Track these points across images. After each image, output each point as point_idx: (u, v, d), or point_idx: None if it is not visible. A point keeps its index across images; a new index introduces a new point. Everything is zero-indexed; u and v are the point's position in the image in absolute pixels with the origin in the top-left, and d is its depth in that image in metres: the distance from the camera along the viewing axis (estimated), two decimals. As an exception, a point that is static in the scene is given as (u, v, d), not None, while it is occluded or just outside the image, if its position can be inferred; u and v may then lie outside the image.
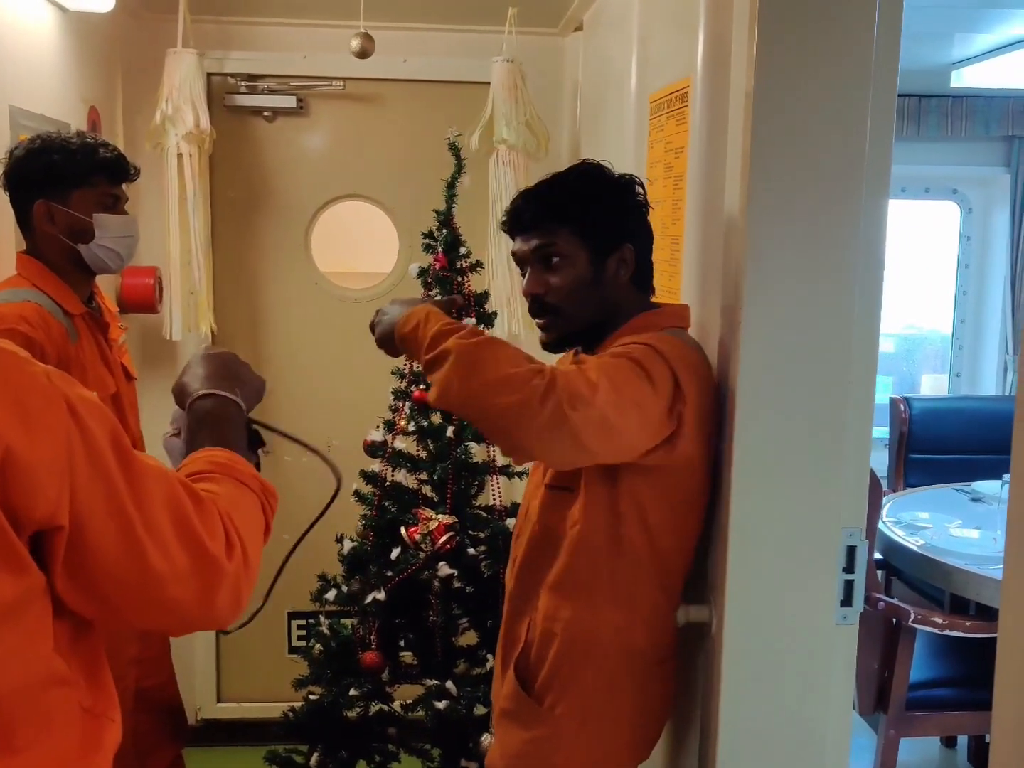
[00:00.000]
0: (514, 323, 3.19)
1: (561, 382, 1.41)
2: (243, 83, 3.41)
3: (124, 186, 2.16)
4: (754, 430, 1.52)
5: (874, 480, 2.10)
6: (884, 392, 4.58)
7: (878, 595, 2.81)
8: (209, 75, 3.31)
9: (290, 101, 3.43)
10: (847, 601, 1.56)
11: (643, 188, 1.71)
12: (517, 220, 1.69)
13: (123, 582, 0.99)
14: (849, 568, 1.55)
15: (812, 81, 1.46)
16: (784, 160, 1.47)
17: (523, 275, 1.70)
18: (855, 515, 1.55)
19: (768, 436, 1.52)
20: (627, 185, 1.69)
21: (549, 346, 1.72)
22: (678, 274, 1.92)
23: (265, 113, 3.46)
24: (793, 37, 1.46)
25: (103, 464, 0.96)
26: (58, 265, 2.07)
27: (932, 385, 5.06)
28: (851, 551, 1.55)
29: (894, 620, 2.77)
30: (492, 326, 2.69)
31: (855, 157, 1.47)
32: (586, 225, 1.64)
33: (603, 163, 1.70)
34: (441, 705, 2.43)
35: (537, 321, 1.70)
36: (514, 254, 1.72)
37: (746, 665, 1.57)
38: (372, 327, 1.76)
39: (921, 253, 5.00)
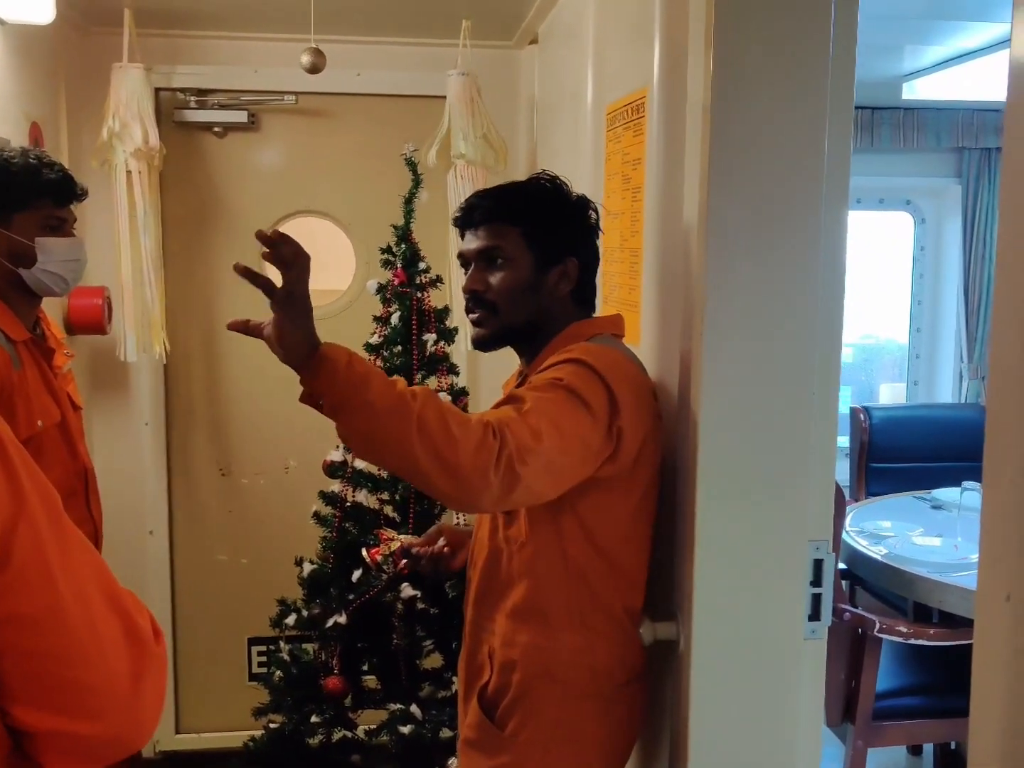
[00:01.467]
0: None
1: (510, 436, 1.37)
2: (192, 98, 3.35)
3: (72, 206, 2.10)
4: (717, 443, 1.50)
5: (838, 490, 2.09)
6: (844, 402, 4.60)
7: (843, 606, 2.81)
8: (157, 90, 3.25)
9: (241, 116, 3.38)
10: (815, 615, 1.55)
11: (596, 212, 1.72)
12: (469, 216, 1.69)
13: (32, 650, 0.90)
14: (816, 582, 1.54)
15: (769, 92, 1.45)
16: (743, 172, 1.46)
17: (465, 273, 1.70)
18: (821, 528, 1.53)
19: (731, 449, 1.50)
20: (582, 203, 1.71)
21: (480, 343, 1.71)
22: (638, 287, 1.90)
23: (216, 129, 3.40)
24: (749, 48, 1.45)
25: (28, 510, 0.90)
26: (1, 289, 2.01)
27: (890, 394, 5.10)
28: (818, 564, 1.54)
29: (860, 630, 2.77)
30: (453, 342, 2.66)
31: (814, 167, 1.46)
32: (536, 230, 1.64)
33: (560, 178, 1.71)
34: (406, 729, 2.39)
35: (471, 316, 1.69)
36: (460, 254, 1.72)
37: (715, 682, 1.54)
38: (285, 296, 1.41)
39: (876, 263, 5.05)
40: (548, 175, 1.71)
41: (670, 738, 1.67)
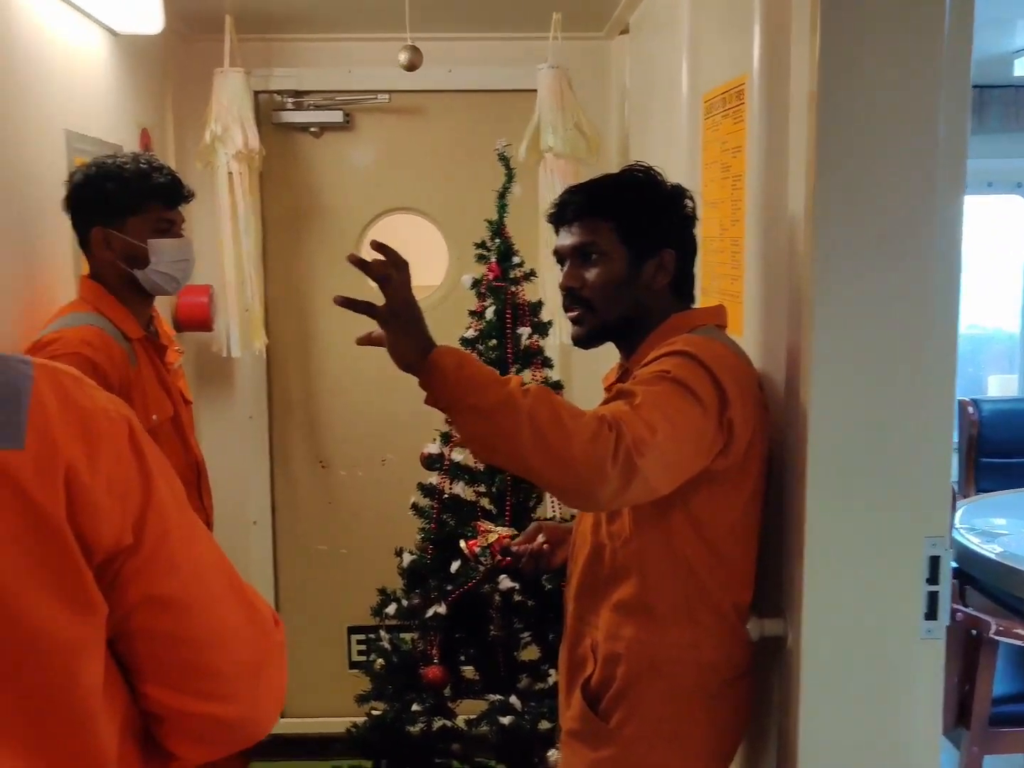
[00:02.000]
0: (567, 333, 3.15)
1: (627, 429, 1.35)
2: (289, 100, 3.42)
3: (181, 207, 2.16)
4: (828, 437, 1.46)
5: (948, 485, 2.03)
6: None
7: (955, 606, 2.72)
8: (256, 93, 3.33)
9: (336, 116, 3.43)
10: (931, 614, 1.50)
11: (692, 201, 1.69)
12: (562, 212, 1.68)
13: (160, 629, 0.94)
14: (933, 579, 1.49)
15: (880, 74, 1.41)
16: (852, 159, 1.42)
17: (561, 269, 1.70)
18: (938, 524, 1.48)
19: (843, 443, 1.46)
20: (676, 193, 1.68)
21: (579, 340, 1.70)
22: (740, 277, 1.87)
23: (312, 129, 3.46)
24: (858, 29, 1.40)
25: (158, 496, 0.95)
26: (117, 289, 2.08)
27: (1000, 386, 4.91)
28: (934, 561, 1.49)
29: (973, 632, 2.67)
30: (547, 335, 2.67)
31: (927, 152, 1.42)
32: (629, 224, 1.63)
33: (654, 168, 1.69)
34: (506, 720, 2.40)
35: (569, 314, 1.69)
36: (555, 251, 1.71)
37: (826, 682, 1.51)
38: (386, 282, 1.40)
39: (984, 250, 4.86)
40: (641, 166, 1.69)
41: (777, 738, 1.64)
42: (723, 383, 1.48)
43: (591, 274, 1.63)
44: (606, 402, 1.50)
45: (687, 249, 1.69)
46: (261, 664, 1.00)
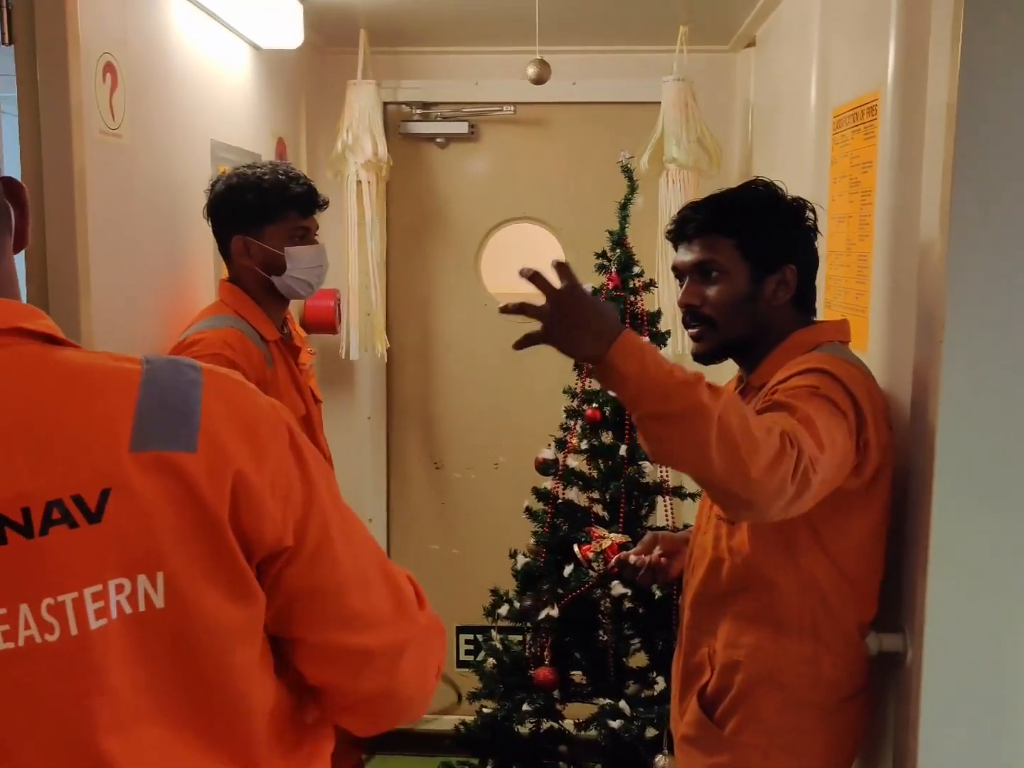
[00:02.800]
0: (684, 343, 3.16)
1: (806, 445, 1.35)
2: (417, 111, 3.52)
3: (315, 215, 2.26)
4: (956, 453, 1.45)
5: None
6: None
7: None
8: (385, 104, 3.44)
9: (462, 127, 3.52)
10: (1059, 634, 1.47)
11: (814, 213, 1.68)
12: (682, 229, 1.69)
13: (318, 614, 1.01)
14: (1062, 597, 1.47)
15: (1021, 88, 1.40)
16: (990, 176, 1.41)
17: (680, 285, 1.71)
18: (1067, 542, 1.46)
19: (971, 459, 1.45)
20: (797, 207, 1.67)
21: (700, 357, 1.71)
22: (866, 292, 1.86)
23: (438, 140, 3.56)
24: (1000, 42, 1.39)
25: (318, 495, 1.01)
26: (255, 293, 2.19)
27: None
28: (1063, 580, 1.47)
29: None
30: (664, 345, 2.69)
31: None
32: (750, 241, 1.63)
33: (775, 183, 1.69)
34: (615, 724, 2.43)
35: (690, 331, 1.70)
36: (674, 267, 1.71)
37: (947, 701, 1.49)
38: (525, 311, 1.39)
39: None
40: (762, 181, 1.69)
41: (893, 758, 1.63)
42: (860, 403, 1.48)
43: (712, 291, 1.64)
44: (760, 412, 1.45)
45: (809, 263, 1.68)
46: (405, 643, 1.06)
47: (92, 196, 1.82)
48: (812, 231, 1.69)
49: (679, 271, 1.71)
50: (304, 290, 2.23)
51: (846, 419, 1.46)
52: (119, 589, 0.90)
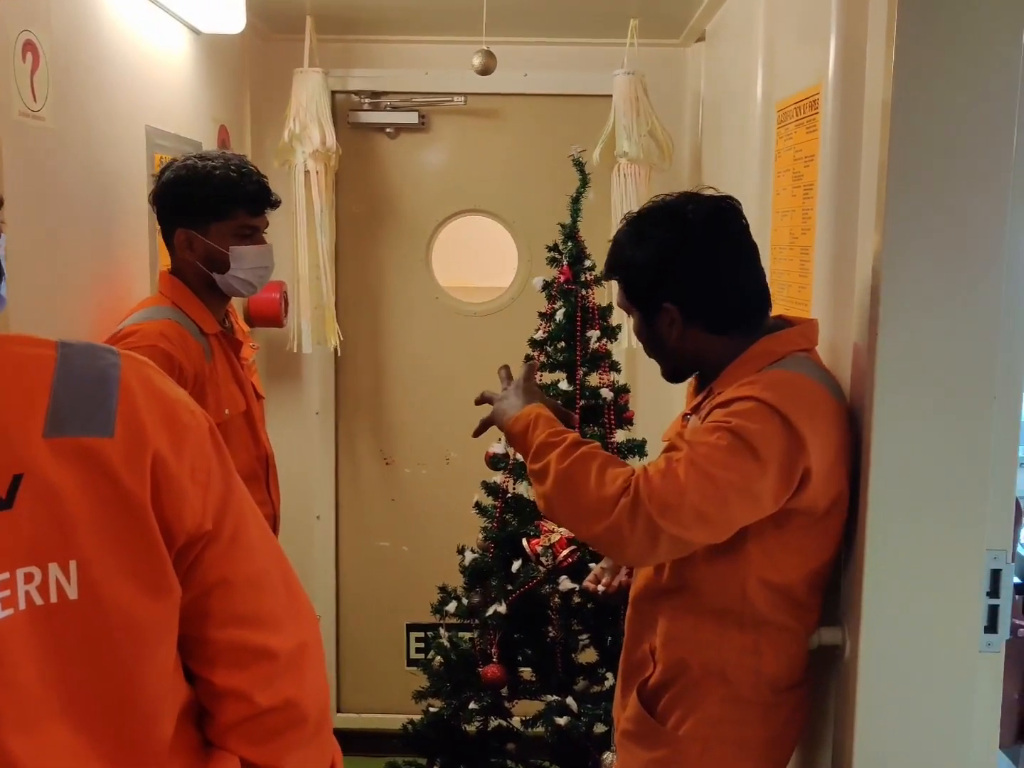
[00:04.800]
0: (634, 337, 3.16)
1: (645, 493, 1.42)
2: (366, 100, 3.49)
3: (266, 213, 2.20)
4: (892, 449, 1.45)
5: (1015, 502, 2.00)
6: (1022, 408, 4.36)
7: (1018, 621, 2.67)
8: (334, 93, 3.40)
9: (412, 117, 3.49)
10: (991, 627, 1.48)
11: (737, 219, 1.59)
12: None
13: (229, 608, 0.99)
14: (993, 592, 1.48)
15: (954, 85, 1.40)
16: (924, 170, 1.41)
17: None
18: (1000, 537, 1.47)
19: (907, 455, 1.45)
20: (679, 230, 1.57)
21: (666, 378, 1.75)
22: (809, 285, 1.86)
23: (388, 129, 3.52)
24: (934, 40, 1.39)
25: (236, 488, 1.00)
26: (196, 286, 2.14)
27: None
28: (995, 575, 1.48)
29: (1037, 649, 2.62)
30: (615, 339, 2.68)
31: (1001, 164, 1.40)
32: (627, 287, 1.65)
33: (661, 203, 1.62)
34: (562, 721, 2.42)
35: None
36: None
37: (883, 693, 1.50)
38: (485, 400, 1.77)
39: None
40: (641, 212, 1.64)
41: (832, 747, 1.64)
42: (799, 428, 1.44)
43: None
44: (666, 450, 1.52)
45: (697, 290, 1.57)
46: (306, 647, 1.04)
47: (9, 179, 1.75)
48: (721, 239, 1.57)
49: None
50: (246, 290, 2.18)
51: (756, 456, 1.42)
52: (28, 578, 0.87)
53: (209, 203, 2.09)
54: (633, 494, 1.42)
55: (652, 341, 1.66)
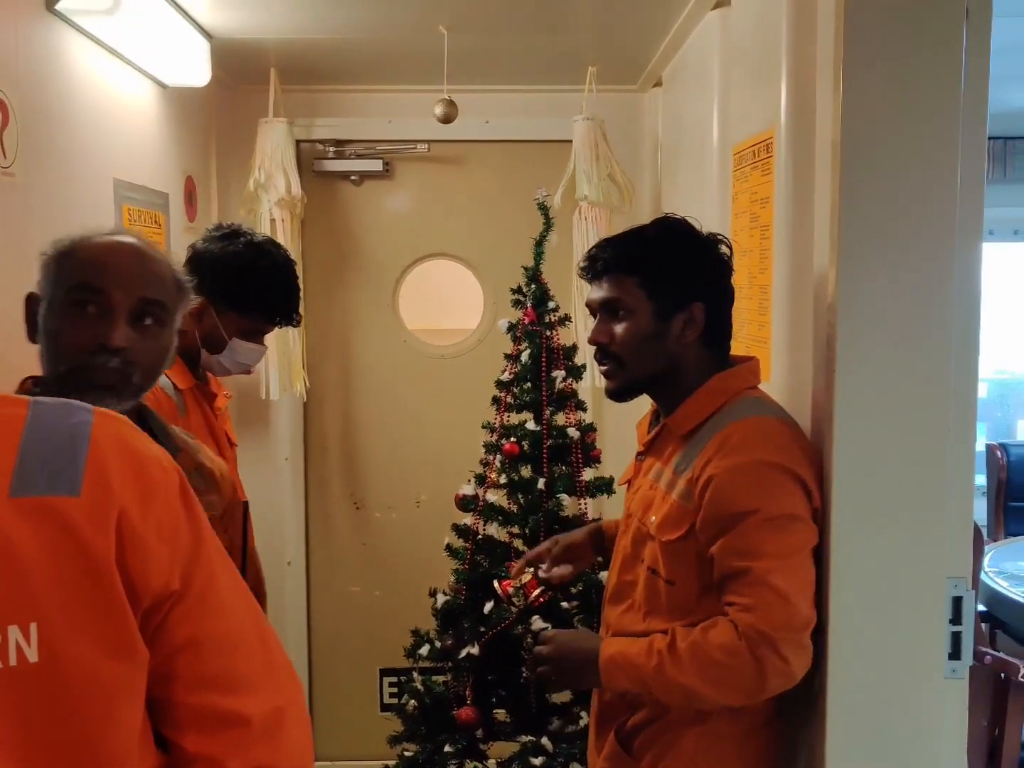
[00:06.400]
0: (600, 377, 3.19)
1: (767, 649, 1.45)
2: (331, 148, 3.53)
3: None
4: (853, 481, 1.49)
5: (976, 530, 2.04)
6: (979, 438, 4.45)
7: (984, 648, 2.71)
8: (298, 142, 3.43)
9: (376, 165, 3.53)
10: (955, 654, 1.51)
11: (730, 248, 1.70)
12: (591, 267, 1.70)
13: (198, 671, 0.97)
14: (956, 620, 1.51)
15: (900, 127, 1.46)
16: (874, 208, 1.47)
17: (594, 321, 1.72)
18: (960, 565, 1.51)
19: (867, 486, 1.50)
20: (707, 243, 1.68)
21: (612, 394, 1.72)
22: (768, 323, 1.91)
23: (352, 177, 3.56)
24: (879, 84, 1.46)
25: (205, 544, 0.99)
26: (179, 349, 2.14)
27: (1029, 431, 4.91)
28: (957, 602, 1.51)
29: (1002, 675, 2.67)
30: (580, 379, 2.71)
31: (947, 202, 1.46)
32: (654, 280, 1.63)
33: (686, 219, 1.70)
34: (537, 762, 2.41)
35: (600, 369, 1.71)
36: (587, 303, 1.74)
37: (852, 722, 1.52)
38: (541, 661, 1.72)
39: (1012, 296, 4.88)
40: (671, 218, 1.70)
41: (805, 776, 1.65)
42: (803, 478, 1.52)
43: (619, 329, 1.65)
44: (721, 577, 1.53)
45: (720, 299, 1.68)
46: (284, 710, 1.02)
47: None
48: (725, 266, 1.69)
49: (591, 308, 1.73)
50: (221, 372, 2.20)
51: (800, 519, 1.51)
52: None
53: (248, 298, 2.10)
54: (753, 640, 1.45)
55: (650, 340, 1.64)
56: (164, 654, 0.95)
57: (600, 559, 2.21)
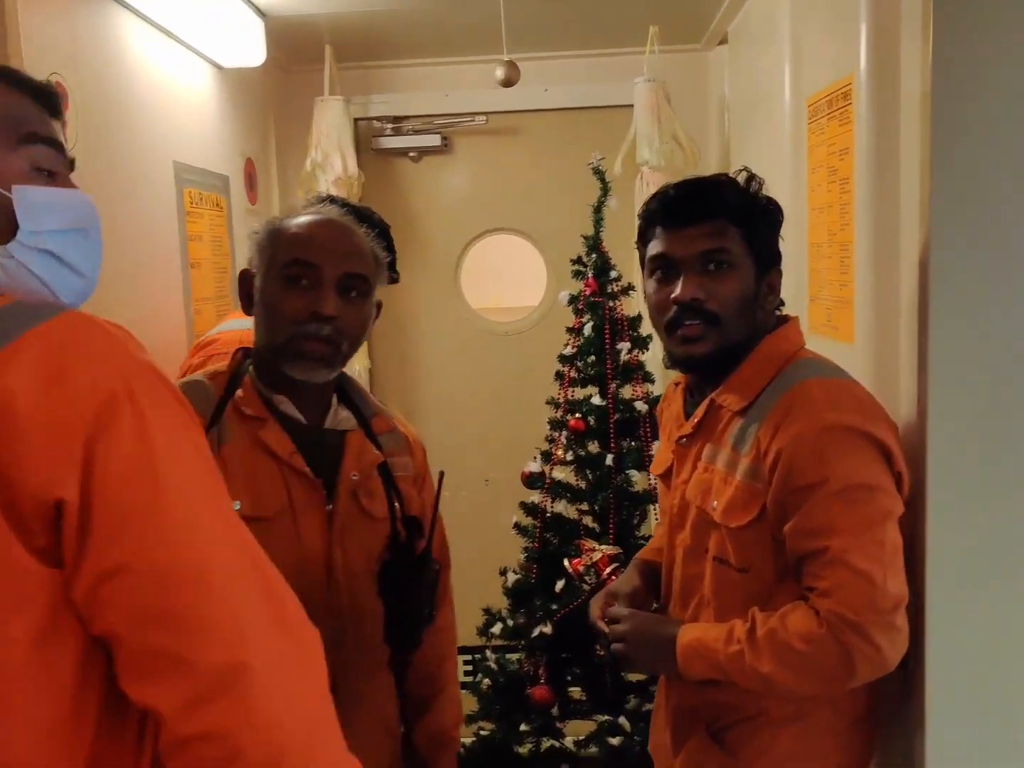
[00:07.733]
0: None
1: (852, 635, 1.29)
2: (388, 126, 3.48)
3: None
4: (951, 452, 1.38)
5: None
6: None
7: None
8: (356, 120, 3.40)
9: (434, 140, 3.48)
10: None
11: (782, 216, 1.54)
12: (677, 210, 1.45)
13: (136, 606, 0.82)
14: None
15: (996, 76, 1.34)
16: (969, 161, 1.35)
17: (655, 278, 1.49)
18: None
19: (967, 458, 1.38)
20: (779, 208, 1.52)
21: (698, 362, 1.47)
22: (850, 283, 1.81)
23: (411, 154, 3.52)
24: (972, 29, 1.34)
25: (163, 470, 0.84)
26: None
27: None
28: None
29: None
30: (647, 350, 2.63)
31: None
32: (757, 234, 1.45)
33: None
34: (615, 741, 2.37)
35: (684, 331, 1.44)
36: (663, 255, 1.46)
37: (952, 709, 1.42)
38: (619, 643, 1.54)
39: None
40: (751, 172, 1.53)
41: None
42: (882, 440, 1.36)
43: (722, 286, 1.43)
44: (796, 560, 1.37)
45: (779, 270, 1.53)
46: (251, 667, 0.83)
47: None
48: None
49: (668, 260, 1.46)
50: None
51: (884, 491, 1.34)
52: None
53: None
54: (836, 627, 1.30)
55: (751, 301, 1.46)
56: (93, 576, 0.81)
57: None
